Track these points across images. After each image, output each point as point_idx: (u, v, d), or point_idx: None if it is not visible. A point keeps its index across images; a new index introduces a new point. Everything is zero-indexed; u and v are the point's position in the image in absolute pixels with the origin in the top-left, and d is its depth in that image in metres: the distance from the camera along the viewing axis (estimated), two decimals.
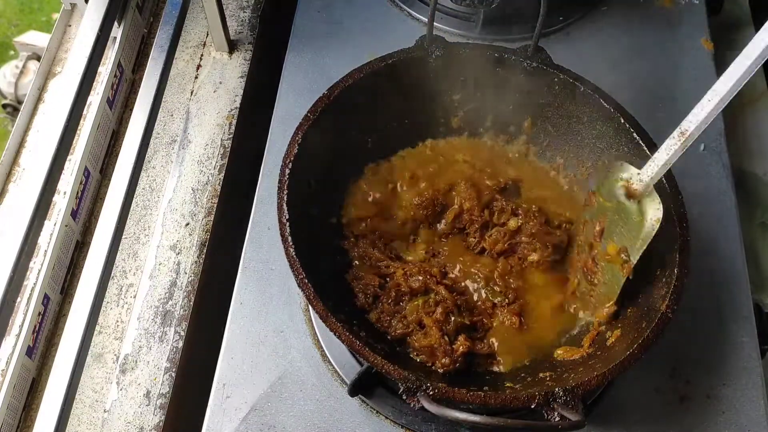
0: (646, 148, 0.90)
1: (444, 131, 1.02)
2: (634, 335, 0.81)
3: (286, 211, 0.83)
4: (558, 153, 1.00)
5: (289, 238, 0.82)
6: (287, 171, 0.86)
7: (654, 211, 0.86)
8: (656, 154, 0.85)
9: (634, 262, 0.87)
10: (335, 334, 0.77)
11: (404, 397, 0.74)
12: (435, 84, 0.98)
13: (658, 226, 0.86)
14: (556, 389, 0.74)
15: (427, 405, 0.73)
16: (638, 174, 0.87)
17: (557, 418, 0.73)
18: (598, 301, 0.90)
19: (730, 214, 1.05)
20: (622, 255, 0.88)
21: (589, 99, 0.94)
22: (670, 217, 0.86)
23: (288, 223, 0.82)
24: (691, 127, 0.83)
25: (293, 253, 0.81)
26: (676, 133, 0.84)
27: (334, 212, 0.95)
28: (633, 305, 0.87)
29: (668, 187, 0.87)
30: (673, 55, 1.20)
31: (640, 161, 0.90)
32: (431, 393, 0.73)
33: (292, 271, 0.80)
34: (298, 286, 0.79)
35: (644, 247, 0.87)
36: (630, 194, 0.88)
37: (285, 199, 0.84)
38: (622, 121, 0.92)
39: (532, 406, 0.74)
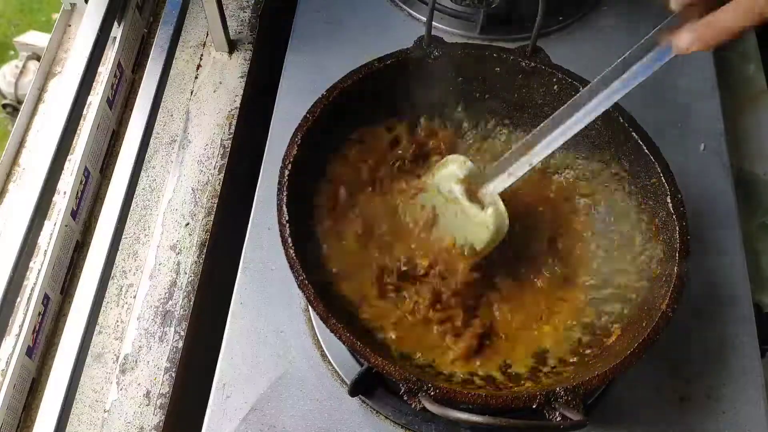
0: (645, 147, 0.90)
1: (442, 133, 1.02)
2: (634, 334, 0.81)
3: (285, 213, 0.83)
4: (556, 151, 1.00)
5: (289, 240, 0.82)
6: (287, 172, 0.86)
7: (499, 223, 0.86)
8: (500, 162, 0.85)
9: (483, 252, 0.87)
10: (336, 335, 0.77)
11: (405, 398, 0.74)
12: (434, 84, 0.98)
13: (501, 238, 0.86)
14: (557, 389, 0.74)
15: (428, 405, 0.73)
16: (480, 176, 0.87)
17: (558, 418, 0.73)
18: None
19: (730, 214, 1.05)
20: (465, 249, 0.88)
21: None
22: (669, 216, 0.86)
23: (288, 225, 0.82)
24: (531, 144, 0.83)
25: (293, 254, 0.81)
26: (520, 144, 0.84)
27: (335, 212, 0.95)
28: (633, 305, 0.87)
29: (668, 185, 0.87)
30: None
31: (638, 160, 0.90)
32: (432, 393, 0.73)
33: (293, 273, 0.80)
34: (299, 287, 0.80)
35: (489, 250, 0.87)
36: (470, 196, 0.88)
37: (285, 200, 0.84)
38: (621, 120, 0.91)
39: (534, 406, 0.74)
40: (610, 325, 0.87)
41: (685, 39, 0.71)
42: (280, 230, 0.83)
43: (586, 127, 0.95)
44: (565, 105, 0.81)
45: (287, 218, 0.83)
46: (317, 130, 0.90)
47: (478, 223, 0.88)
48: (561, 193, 0.99)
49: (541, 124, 0.83)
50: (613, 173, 0.95)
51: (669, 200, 0.87)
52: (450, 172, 0.90)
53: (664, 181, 0.87)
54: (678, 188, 0.87)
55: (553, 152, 0.97)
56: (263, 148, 1.08)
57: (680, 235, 0.84)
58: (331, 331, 0.78)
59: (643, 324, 0.81)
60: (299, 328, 0.95)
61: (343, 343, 0.78)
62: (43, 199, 0.87)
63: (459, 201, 0.88)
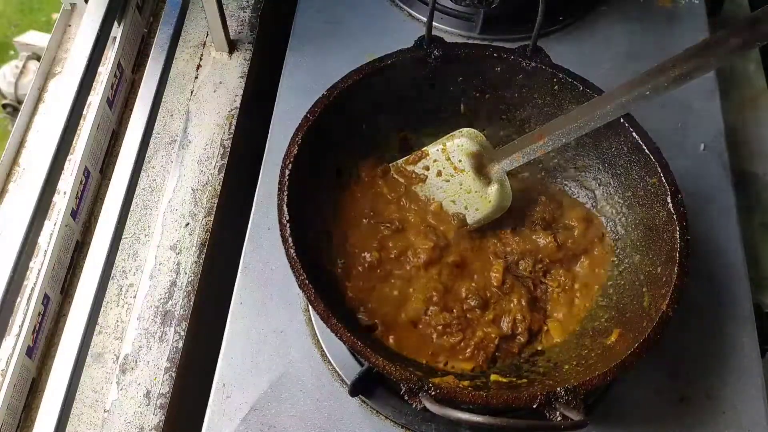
0: (645, 147, 0.90)
1: (443, 133, 1.02)
2: (635, 334, 0.81)
3: (286, 212, 0.83)
4: (555, 151, 1.00)
5: (290, 239, 0.82)
6: (287, 172, 0.86)
7: (501, 200, 0.91)
8: (514, 143, 0.89)
9: (473, 225, 0.92)
10: (336, 335, 0.77)
11: (406, 398, 0.74)
12: (434, 84, 0.98)
13: (498, 215, 0.91)
14: (558, 389, 0.74)
15: (429, 405, 0.73)
16: (491, 153, 0.91)
17: (559, 418, 0.73)
18: None
19: (730, 214, 1.05)
20: (453, 219, 0.93)
21: (588, 98, 0.94)
22: (670, 216, 0.86)
23: (288, 225, 0.82)
24: (546, 132, 0.86)
25: (294, 254, 0.81)
26: (537, 131, 0.87)
27: (336, 212, 0.95)
28: (633, 305, 0.87)
29: (668, 185, 0.87)
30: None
31: (638, 159, 0.91)
32: (433, 393, 0.73)
33: (293, 273, 0.80)
34: (299, 287, 0.79)
35: (482, 224, 0.92)
36: (479, 170, 0.91)
37: (285, 200, 0.84)
38: (621, 119, 0.91)
39: (534, 406, 0.74)
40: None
41: None
42: (281, 230, 0.83)
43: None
44: (587, 103, 0.85)
45: (287, 218, 0.83)
46: (317, 131, 0.90)
47: (481, 197, 0.91)
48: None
49: (562, 116, 0.86)
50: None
51: (669, 200, 0.87)
52: (462, 143, 0.93)
53: (664, 180, 0.87)
54: (678, 188, 0.87)
55: (557, 151, 0.98)
56: (263, 148, 1.08)
57: (680, 235, 0.84)
58: (333, 332, 0.78)
59: (644, 324, 0.81)
60: (299, 328, 0.95)
61: (345, 344, 0.78)
62: (43, 199, 0.88)
63: (466, 172, 0.92)
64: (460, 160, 0.93)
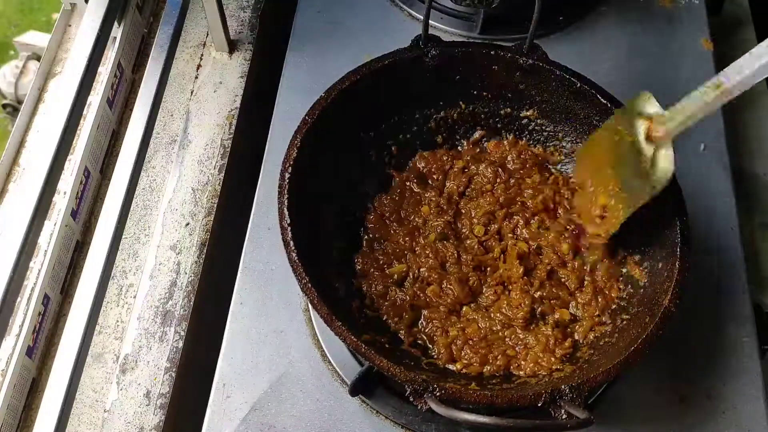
0: None
1: (443, 130, 1.02)
2: (638, 330, 0.81)
3: (287, 216, 0.83)
4: (554, 149, 1.01)
5: (291, 243, 0.81)
6: (287, 175, 0.86)
7: (666, 167, 0.80)
8: (684, 102, 0.77)
9: (623, 218, 0.85)
10: (341, 338, 0.77)
11: (411, 399, 0.74)
12: (432, 83, 0.98)
13: (665, 185, 0.81)
14: (563, 386, 0.74)
15: (434, 407, 0.72)
16: (663, 116, 0.80)
17: (564, 416, 0.72)
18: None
19: (730, 214, 1.05)
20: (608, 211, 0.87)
21: (586, 94, 0.94)
22: (670, 212, 0.86)
23: (290, 228, 0.82)
24: (727, 82, 0.73)
25: (296, 257, 0.81)
26: (710, 82, 0.74)
27: (336, 214, 0.95)
28: (635, 302, 0.87)
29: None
30: (673, 55, 1.20)
31: None
32: (438, 394, 0.73)
33: (295, 276, 0.80)
34: (302, 290, 0.79)
35: (638, 205, 0.84)
36: (648, 136, 0.81)
37: (286, 203, 0.84)
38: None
39: (539, 404, 0.74)
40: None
41: None
42: (282, 234, 0.82)
43: (584, 124, 0.96)
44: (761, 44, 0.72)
45: (288, 221, 0.83)
46: (316, 133, 0.90)
47: (647, 167, 0.82)
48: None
49: (730, 66, 0.74)
50: None
51: (669, 197, 0.86)
52: (637, 110, 0.84)
53: None
54: (679, 186, 0.87)
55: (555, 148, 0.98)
56: (263, 148, 1.08)
57: (681, 231, 0.84)
58: (337, 335, 0.77)
59: (646, 320, 0.81)
60: (299, 328, 0.95)
61: (350, 347, 0.78)
62: (43, 199, 0.87)
63: (638, 141, 0.83)
64: (631, 125, 0.83)
